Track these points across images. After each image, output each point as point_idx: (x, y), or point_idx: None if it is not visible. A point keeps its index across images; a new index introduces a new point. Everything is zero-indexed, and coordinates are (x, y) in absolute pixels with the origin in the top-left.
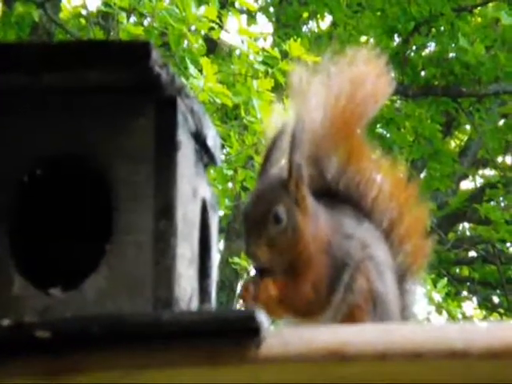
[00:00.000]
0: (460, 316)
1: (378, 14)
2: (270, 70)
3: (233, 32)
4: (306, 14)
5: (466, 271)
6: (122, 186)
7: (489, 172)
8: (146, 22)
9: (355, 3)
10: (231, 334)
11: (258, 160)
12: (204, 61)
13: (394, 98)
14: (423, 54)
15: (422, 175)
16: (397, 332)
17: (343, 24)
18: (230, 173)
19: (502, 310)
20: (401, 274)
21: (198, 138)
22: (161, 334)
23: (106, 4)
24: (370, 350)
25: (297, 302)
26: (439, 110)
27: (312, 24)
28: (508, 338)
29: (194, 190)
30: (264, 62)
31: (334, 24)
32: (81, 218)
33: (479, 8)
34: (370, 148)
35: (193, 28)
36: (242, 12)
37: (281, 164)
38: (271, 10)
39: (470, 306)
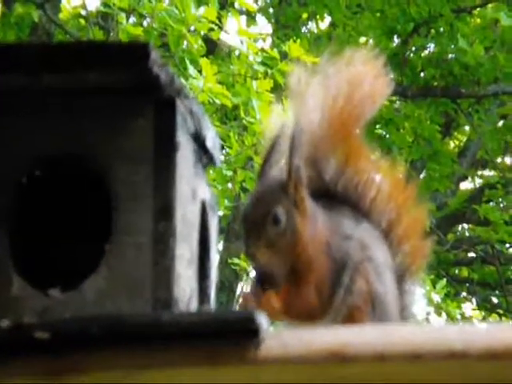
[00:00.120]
0: (459, 317)
1: (378, 14)
2: (269, 71)
3: (232, 33)
4: (305, 15)
5: (465, 272)
6: (122, 186)
7: (488, 173)
8: (145, 23)
9: (354, 4)
10: (231, 335)
11: (258, 161)
12: (203, 61)
13: (394, 98)
14: (422, 54)
15: (422, 176)
16: (396, 333)
17: (342, 25)
18: (230, 173)
19: (501, 311)
20: (400, 275)
21: (198, 139)
22: (160, 335)
23: (105, 4)
24: (370, 351)
25: (300, 308)
26: (438, 110)
27: (311, 25)
28: (507, 338)
29: (194, 190)
30: (263, 63)
31: (333, 25)
32: (80, 218)
33: (478, 9)
34: (369, 149)
35: (192, 29)
36: (241, 13)
37: (280, 166)
38: (271, 10)
39: (470, 307)
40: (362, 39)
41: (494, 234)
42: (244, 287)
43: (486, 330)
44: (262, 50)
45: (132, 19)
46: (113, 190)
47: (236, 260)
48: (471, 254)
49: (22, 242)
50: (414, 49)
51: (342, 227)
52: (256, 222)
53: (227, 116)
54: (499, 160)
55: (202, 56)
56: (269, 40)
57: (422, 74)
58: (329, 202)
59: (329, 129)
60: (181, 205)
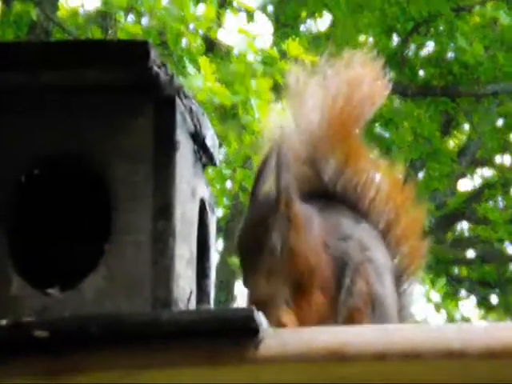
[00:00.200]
0: (458, 316)
1: (377, 13)
2: (268, 70)
3: (231, 31)
4: (304, 14)
5: (464, 271)
6: (121, 185)
7: (487, 172)
8: (144, 21)
9: (354, 3)
10: (230, 334)
11: (257, 159)
12: (202, 60)
13: (393, 97)
14: (422, 53)
15: (421, 175)
16: (396, 332)
17: (342, 23)
18: (229, 172)
19: (500, 310)
20: (398, 275)
21: (197, 138)
22: (160, 334)
23: (104, 3)
24: (370, 351)
25: (314, 315)
26: (438, 109)
27: (311, 23)
28: (506, 338)
29: (193, 189)
30: (263, 62)
31: (332, 23)
32: (79, 217)
33: (478, 8)
34: (367, 149)
35: (191, 27)
36: (240, 11)
37: (270, 184)
38: (270, 9)
39: (469, 306)
40: (362, 38)
41: (494, 233)
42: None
43: (485, 329)
44: (261, 49)
45: (131, 17)
46: (112, 190)
47: (235, 259)
48: (471, 253)
49: (22, 242)
50: (413, 48)
51: (340, 227)
52: (251, 252)
53: (226, 115)
54: (499, 159)
55: (202, 54)
56: (269, 39)
57: (421, 73)
58: (327, 202)
59: (328, 129)
60: (180, 204)
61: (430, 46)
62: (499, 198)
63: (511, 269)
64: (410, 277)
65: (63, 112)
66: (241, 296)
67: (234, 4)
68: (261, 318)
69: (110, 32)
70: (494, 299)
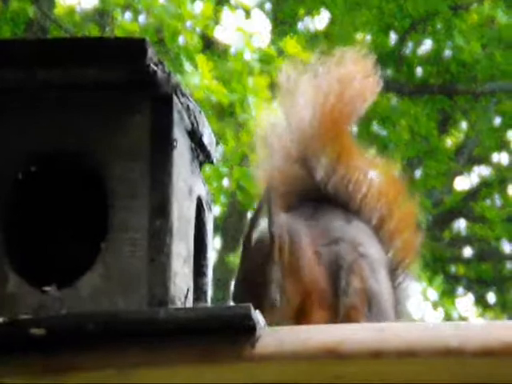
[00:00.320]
0: (455, 314)
1: (375, 11)
2: (265, 68)
3: (229, 29)
4: (301, 12)
5: (461, 269)
6: (117, 183)
7: (484, 170)
8: (141, 19)
9: (352, 1)
10: (227, 332)
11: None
12: (200, 58)
13: (390, 95)
14: (419, 51)
15: (418, 173)
16: (391, 331)
17: (340, 21)
18: (226, 170)
19: (497, 308)
20: (393, 269)
21: (194, 136)
22: (157, 332)
23: (101, 0)
24: (365, 349)
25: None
26: (435, 107)
27: (308, 21)
28: (503, 336)
29: (190, 187)
30: (260, 60)
31: (330, 21)
32: (76, 215)
33: (475, 6)
34: (359, 146)
35: (188, 25)
36: (237, 8)
37: (262, 229)
38: (268, 7)
39: (466, 304)
40: (359, 36)
41: (491, 232)
42: None
43: (482, 327)
44: (259, 47)
45: (128, 15)
46: (109, 187)
47: (232, 257)
48: (468, 251)
49: (18, 239)
50: (410, 46)
51: (331, 231)
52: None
53: (223, 113)
54: (496, 158)
55: (199, 52)
56: (266, 37)
57: (419, 71)
58: (317, 206)
59: (319, 127)
60: (177, 202)
61: (427, 44)
62: (496, 197)
63: (508, 267)
64: (405, 270)
65: (60, 109)
66: None
67: (232, 2)
68: (258, 316)
69: (107, 30)
70: (491, 297)
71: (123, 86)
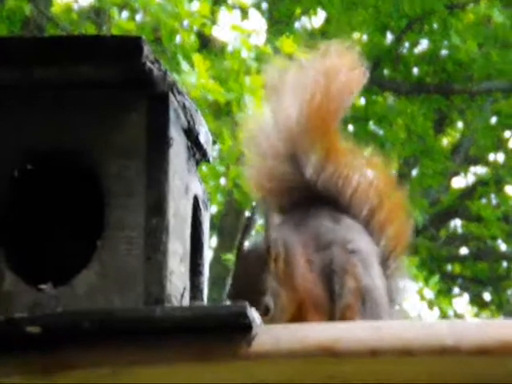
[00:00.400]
0: (451, 313)
1: (371, 10)
2: (262, 67)
3: (225, 28)
4: (298, 11)
5: (457, 268)
6: (114, 181)
7: (480, 169)
8: (138, 17)
9: (348, 0)
10: (223, 331)
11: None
12: (197, 57)
13: (387, 95)
14: (416, 51)
15: (415, 172)
16: (387, 329)
17: (336, 21)
18: (222, 169)
19: (493, 307)
20: (385, 259)
21: (190, 135)
22: (153, 330)
23: None
24: (361, 347)
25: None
26: (431, 107)
27: (305, 20)
28: (498, 334)
29: (186, 186)
30: (256, 59)
31: (327, 21)
32: (72, 213)
33: (471, 5)
34: (346, 142)
35: (185, 24)
36: (234, 7)
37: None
38: (264, 6)
39: (462, 303)
40: (356, 35)
41: (487, 231)
42: None
43: (477, 325)
44: (256, 46)
45: (125, 14)
46: (105, 186)
47: (228, 255)
48: (464, 251)
49: (14, 237)
50: (407, 45)
51: (320, 236)
52: None
53: (220, 111)
54: (492, 157)
55: (196, 51)
56: (263, 36)
57: (415, 71)
58: (305, 211)
59: (307, 124)
60: (173, 200)
61: (423, 44)
62: (492, 196)
63: (504, 266)
64: (396, 259)
65: (56, 107)
66: None
67: (229, 1)
68: (254, 314)
69: (103, 28)
70: (487, 296)
71: (119, 84)
